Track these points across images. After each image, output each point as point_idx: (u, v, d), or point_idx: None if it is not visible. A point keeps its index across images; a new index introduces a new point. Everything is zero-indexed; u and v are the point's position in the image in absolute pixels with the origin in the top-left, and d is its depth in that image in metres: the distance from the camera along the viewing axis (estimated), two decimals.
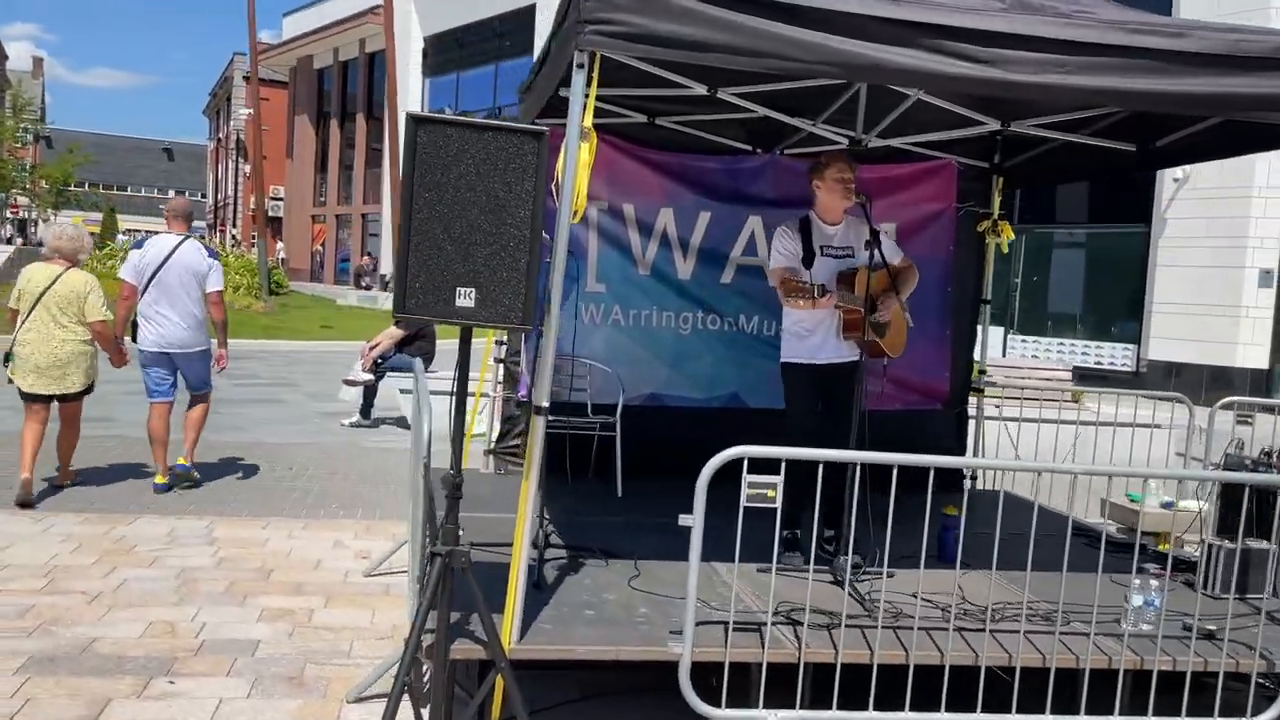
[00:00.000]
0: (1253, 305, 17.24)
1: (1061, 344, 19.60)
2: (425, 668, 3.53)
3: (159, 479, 6.92)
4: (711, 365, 6.41)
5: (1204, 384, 17.53)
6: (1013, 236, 6.57)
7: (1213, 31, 3.65)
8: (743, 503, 3.47)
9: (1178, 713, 3.63)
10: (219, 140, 71.60)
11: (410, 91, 37.39)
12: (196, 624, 4.55)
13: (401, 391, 9.91)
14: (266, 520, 6.36)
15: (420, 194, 3.03)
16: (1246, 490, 4.63)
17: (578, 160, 3.40)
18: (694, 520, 3.43)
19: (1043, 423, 7.09)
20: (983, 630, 3.80)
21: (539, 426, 3.46)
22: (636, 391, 6.24)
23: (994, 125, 5.25)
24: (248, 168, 63.46)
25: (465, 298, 3.09)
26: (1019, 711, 3.58)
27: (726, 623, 3.63)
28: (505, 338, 6.24)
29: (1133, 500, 6.21)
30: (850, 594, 4.20)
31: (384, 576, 5.40)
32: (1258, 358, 17.30)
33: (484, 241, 3.07)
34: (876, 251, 4.41)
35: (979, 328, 6.88)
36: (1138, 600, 4.08)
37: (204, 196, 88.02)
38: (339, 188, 48.75)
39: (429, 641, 3.33)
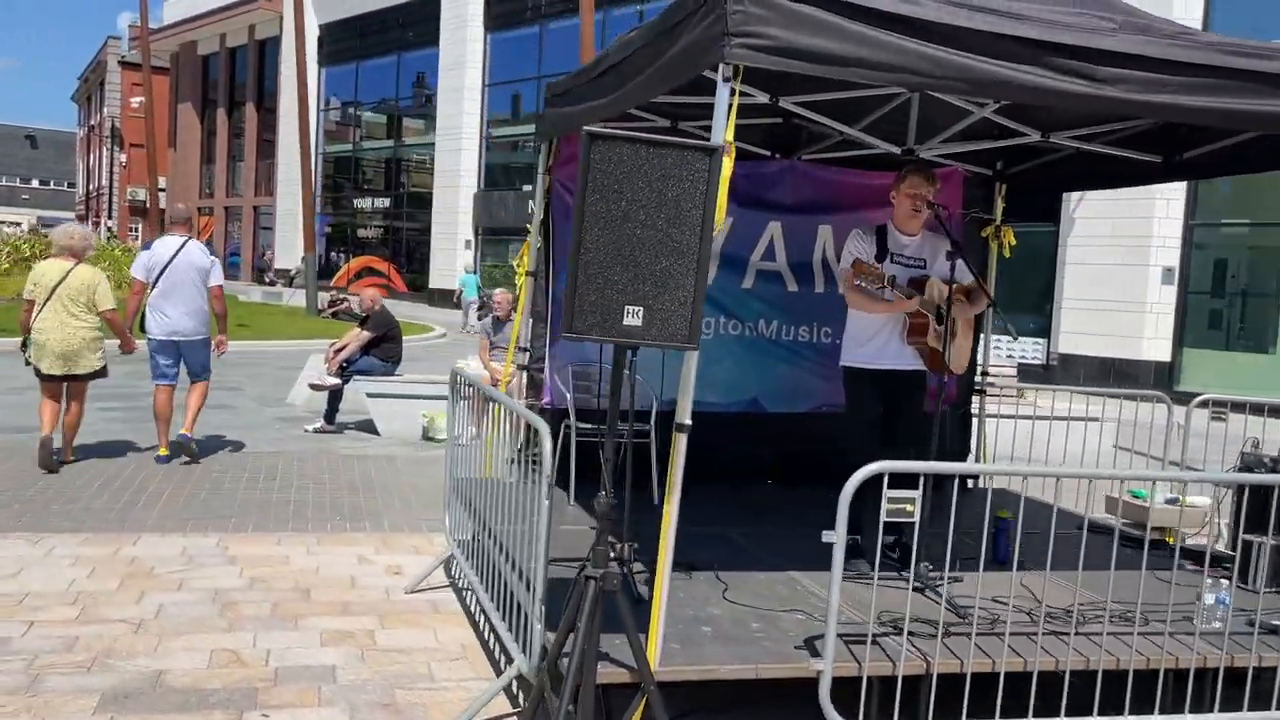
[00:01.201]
0: (1156, 301, 18.15)
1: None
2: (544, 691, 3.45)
3: (161, 451, 7.82)
4: (731, 370, 6.42)
5: (1111, 376, 18.38)
6: (1014, 242, 6.77)
7: None
8: (882, 517, 3.49)
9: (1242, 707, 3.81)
10: (90, 128, 68.23)
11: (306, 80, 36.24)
12: (260, 651, 4.34)
13: (369, 395, 9.63)
14: (277, 535, 6.10)
15: (593, 212, 2.95)
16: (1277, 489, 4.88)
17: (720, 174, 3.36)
18: (837, 536, 3.42)
19: (1023, 420, 7.34)
20: (1099, 634, 3.89)
21: (680, 444, 3.41)
22: (648, 398, 6.20)
23: (1035, 136, 5.37)
24: (124, 157, 60.64)
25: (633, 317, 3.02)
26: (1131, 713, 3.70)
27: (862, 635, 3.64)
28: (529, 344, 6.11)
29: (1136, 497, 6.46)
30: (937, 600, 4.27)
31: (427, 593, 5.24)
32: (1161, 351, 18.23)
33: (653, 260, 3.00)
34: (961, 262, 4.47)
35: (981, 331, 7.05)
36: (1210, 599, 4.25)
37: (71, 186, 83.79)
38: (227, 179, 47.08)
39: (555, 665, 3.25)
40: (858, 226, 6.21)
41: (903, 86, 3.60)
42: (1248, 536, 4.95)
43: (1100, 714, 3.66)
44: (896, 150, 5.50)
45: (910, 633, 3.81)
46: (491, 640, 4.61)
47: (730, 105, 3.34)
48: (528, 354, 6.12)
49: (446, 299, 31.16)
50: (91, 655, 4.18)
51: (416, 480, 7.85)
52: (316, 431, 9.58)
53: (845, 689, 3.48)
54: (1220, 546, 5.71)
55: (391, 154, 38.18)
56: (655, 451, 5.86)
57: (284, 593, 5.10)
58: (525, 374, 6.15)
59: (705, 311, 6.22)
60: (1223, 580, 4.30)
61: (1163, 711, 3.73)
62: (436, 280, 33.57)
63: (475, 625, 4.82)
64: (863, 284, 4.47)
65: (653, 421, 5.90)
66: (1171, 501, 6.32)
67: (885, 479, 3.48)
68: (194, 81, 48.26)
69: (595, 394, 6.08)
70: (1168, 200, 17.79)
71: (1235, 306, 18.86)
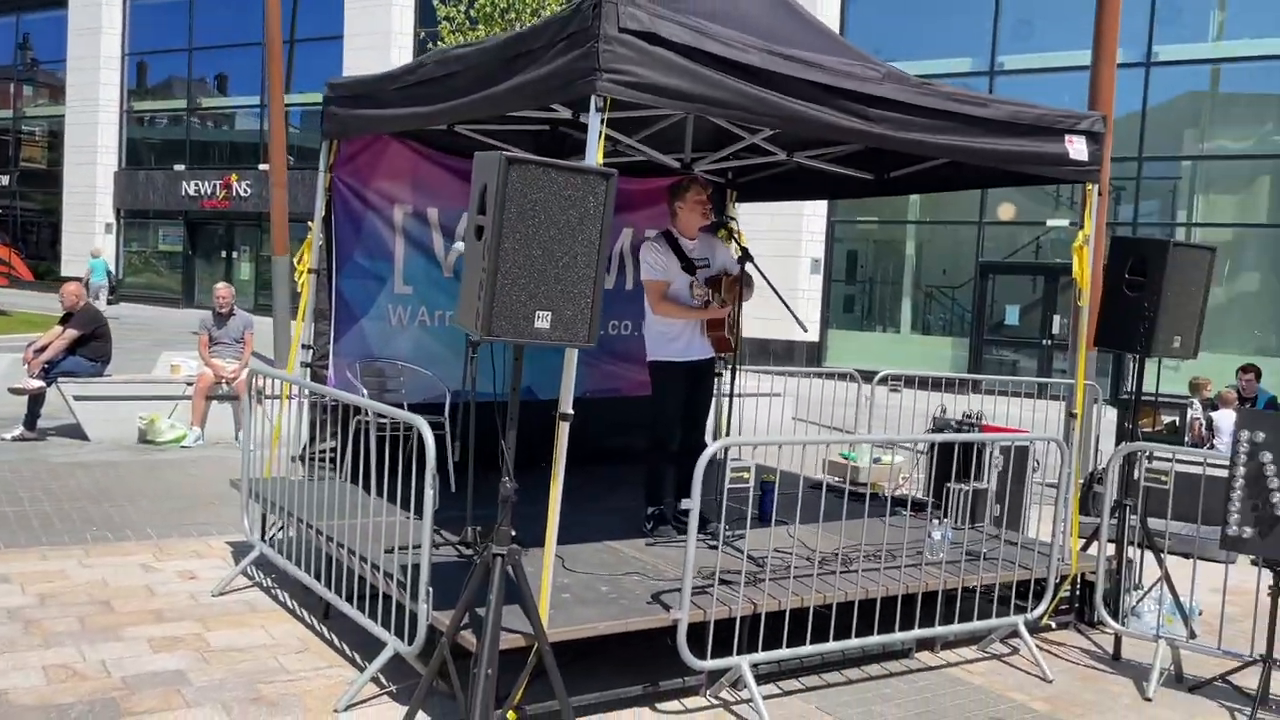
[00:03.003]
0: (807, 288, 20.41)
1: None
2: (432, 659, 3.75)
3: None
4: (509, 363, 6.78)
5: (770, 356, 20.43)
6: (746, 243, 7.68)
7: (1000, 103, 4.88)
8: (725, 484, 4.10)
9: (970, 618, 4.86)
10: None
11: None
12: (94, 663, 4.22)
13: (76, 398, 8.95)
14: (38, 550, 5.73)
15: (508, 227, 3.30)
16: (962, 447, 6.06)
17: None
18: (693, 504, 3.99)
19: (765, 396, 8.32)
20: (872, 570, 4.75)
21: (563, 432, 3.83)
22: (438, 390, 6.47)
23: (782, 155, 6.23)
24: None
25: (542, 320, 3.41)
26: (900, 630, 4.60)
27: (700, 588, 4.24)
28: (311, 342, 6.15)
29: (847, 458, 7.61)
30: (733, 553, 4.98)
31: (235, 594, 5.22)
32: (812, 333, 20.54)
33: (558, 269, 3.40)
34: (751, 265, 5.21)
35: None
36: (938, 535, 5.28)
37: None
38: None
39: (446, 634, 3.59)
40: (629, 229, 6.83)
41: (732, 120, 4.22)
42: (949, 484, 6.10)
43: (879, 633, 4.52)
44: (675, 164, 6.15)
45: (725, 582, 4.47)
46: (326, 631, 4.75)
47: (600, 133, 3.79)
48: (311, 352, 6.16)
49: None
50: None
51: (152, 485, 7.52)
52: (17, 439, 8.77)
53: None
54: (916, 494, 6.93)
55: (9, 126, 33.99)
56: (451, 441, 6.14)
57: (83, 606, 4.89)
58: (309, 371, 6.18)
59: None
60: (947, 520, 5.37)
61: (921, 627, 4.67)
62: (71, 267, 30.36)
63: (302, 619, 4.92)
64: (699, 294, 5.11)
65: (446, 412, 6.17)
66: (876, 461, 7.53)
67: (726, 453, 4.09)
68: None
69: (382, 389, 6.24)
70: (814, 202, 20.03)
71: (867, 292, 21.64)
